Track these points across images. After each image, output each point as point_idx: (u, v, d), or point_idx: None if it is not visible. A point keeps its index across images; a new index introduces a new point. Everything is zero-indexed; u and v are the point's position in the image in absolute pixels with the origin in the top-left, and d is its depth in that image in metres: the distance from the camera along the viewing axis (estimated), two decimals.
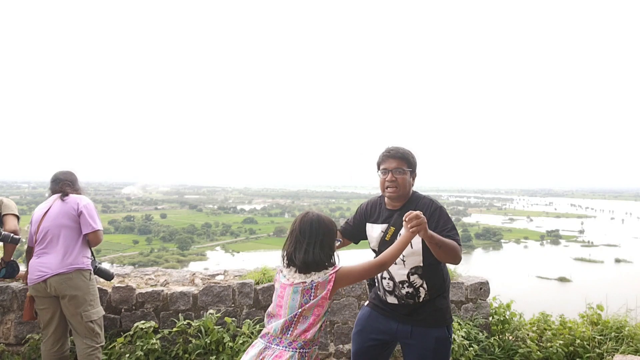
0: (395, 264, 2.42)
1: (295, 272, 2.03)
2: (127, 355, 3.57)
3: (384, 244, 2.46)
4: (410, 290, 2.43)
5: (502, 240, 66.13)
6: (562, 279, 42.18)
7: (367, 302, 2.67)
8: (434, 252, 2.25)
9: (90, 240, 3.30)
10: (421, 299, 2.44)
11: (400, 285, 2.45)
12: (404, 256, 2.40)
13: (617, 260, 52.66)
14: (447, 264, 2.54)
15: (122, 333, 3.72)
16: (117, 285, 3.91)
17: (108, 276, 3.55)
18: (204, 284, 4.05)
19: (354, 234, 2.69)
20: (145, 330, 3.67)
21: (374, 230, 2.56)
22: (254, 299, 4.03)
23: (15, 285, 3.76)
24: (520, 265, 46.84)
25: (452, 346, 3.74)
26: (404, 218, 2.07)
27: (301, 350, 1.94)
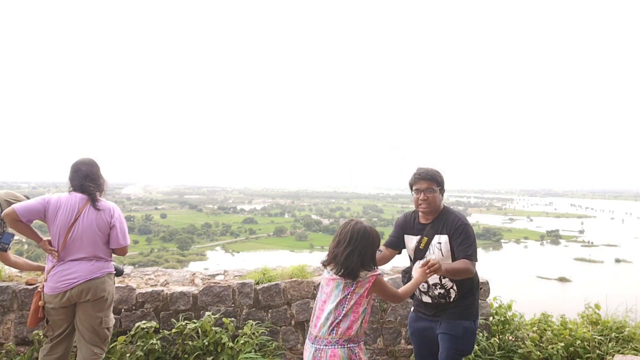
0: None
1: (335, 272, 2.30)
2: (128, 355, 3.57)
3: (418, 252, 2.90)
4: (442, 291, 2.84)
5: (502, 240, 66.13)
6: (562, 279, 42.18)
7: (412, 307, 3.12)
8: (449, 277, 2.75)
9: (117, 253, 3.22)
10: (452, 299, 2.84)
11: (434, 287, 2.85)
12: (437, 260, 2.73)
13: (617, 260, 52.66)
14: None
15: (122, 333, 3.72)
16: (117, 285, 3.90)
17: (120, 273, 3.48)
18: (204, 284, 4.05)
19: (397, 244, 3.07)
20: (146, 330, 3.67)
21: (410, 241, 2.98)
22: (254, 299, 4.03)
23: (15, 285, 3.76)
24: (520, 265, 46.84)
25: None
26: (421, 265, 2.46)
27: (349, 346, 2.23)
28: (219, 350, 3.69)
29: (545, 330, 4.15)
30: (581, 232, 74.29)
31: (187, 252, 52.65)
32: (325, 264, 2.39)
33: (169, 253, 50.52)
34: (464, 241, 2.75)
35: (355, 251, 2.26)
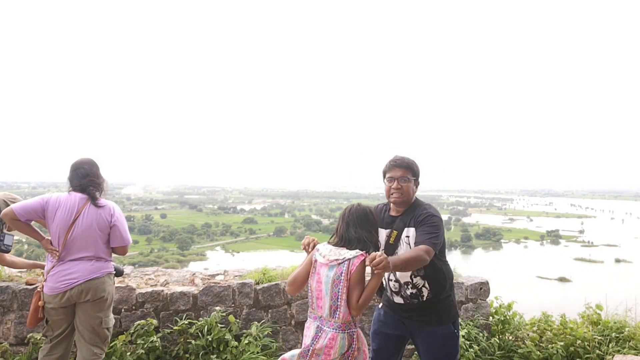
0: None
1: (333, 247, 2.32)
2: (129, 354, 3.57)
3: (389, 247, 2.68)
4: (414, 291, 2.64)
5: (502, 240, 66.10)
6: (562, 279, 42.17)
7: (380, 304, 2.90)
8: (401, 270, 2.57)
9: (117, 252, 3.21)
10: (425, 298, 2.65)
11: (405, 287, 2.66)
12: None
13: (617, 260, 52.65)
14: (449, 262, 2.78)
15: (122, 333, 3.72)
16: (117, 285, 3.90)
17: (120, 273, 3.47)
18: (204, 284, 4.05)
19: None
20: (145, 328, 3.66)
21: (380, 235, 2.73)
22: (254, 299, 4.03)
23: (15, 285, 3.76)
24: (520, 265, 46.83)
25: None
26: (367, 263, 2.20)
27: (349, 331, 2.23)
28: (221, 349, 3.69)
29: (546, 330, 4.14)
30: (581, 232, 74.27)
31: (187, 252, 52.62)
32: (331, 242, 2.40)
33: (169, 253, 50.51)
34: (427, 230, 2.55)
35: (355, 224, 2.33)
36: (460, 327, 3.97)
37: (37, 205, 3.02)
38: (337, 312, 2.22)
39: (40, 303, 3.04)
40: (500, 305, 4.40)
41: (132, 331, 3.67)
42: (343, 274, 2.21)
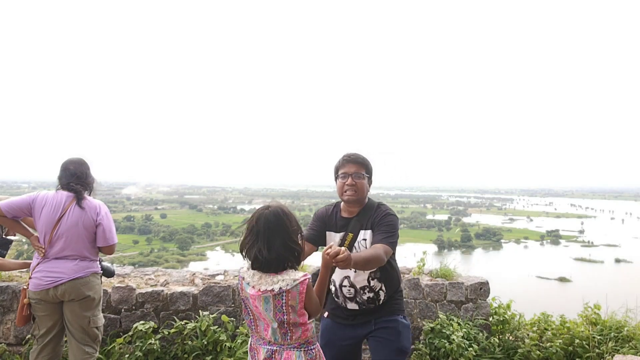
0: (355, 271, 2.51)
1: (259, 274, 1.94)
2: (127, 355, 3.57)
3: None
4: (371, 295, 2.53)
5: (502, 240, 66.10)
6: (562, 279, 42.16)
7: (326, 312, 2.67)
8: (359, 269, 2.39)
9: (104, 251, 3.22)
10: (381, 302, 2.55)
11: (362, 291, 2.52)
12: None
13: (617, 260, 52.64)
14: (395, 259, 2.68)
15: (122, 333, 3.72)
16: (117, 285, 3.90)
17: (110, 273, 3.46)
18: (204, 284, 4.05)
19: (318, 241, 2.62)
20: (144, 330, 3.67)
21: (333, 239, 2.58)
22: None
23: (15, 285, 3.76)
24: (520, 265, 46.82)
25: (451, 346, 3.74)
26: (324, 252, 1.97)
27: (306, 349, 2.00)
28: (218, 350, 3.69)
29: (545, 329, 4.15)
30: (581, 232, 74.27)
31: (187, 252, 52.60)
32: (245, 269, 2.03)
33: (169, 253, 50.49)
34: (385, 229, 2.41)
35: (275, 239, 1.91)
36: (459, 326, 3.98)
37: (24, 203, 3.05)
38: (290, 335, 1.97)
39: (25, 300, 3.06)
40: (499, 305, 4.40)
41: (131, 333, 3.67)
42: (284, 306, 1.91)
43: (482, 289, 4.33)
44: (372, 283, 2.51)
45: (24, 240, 3.66)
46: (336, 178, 2.59)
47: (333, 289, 2.63)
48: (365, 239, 2.47)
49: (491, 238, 65.61)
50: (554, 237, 69.13)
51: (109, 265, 3.44)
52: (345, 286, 2.56)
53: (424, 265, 4.58)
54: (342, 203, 2.61)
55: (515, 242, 66.52)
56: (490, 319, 4.26)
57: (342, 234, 2.54)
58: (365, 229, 2.49)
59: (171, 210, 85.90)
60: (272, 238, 1.91)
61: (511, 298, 4.50)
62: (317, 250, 2.61)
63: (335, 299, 2.62)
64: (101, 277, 3.26)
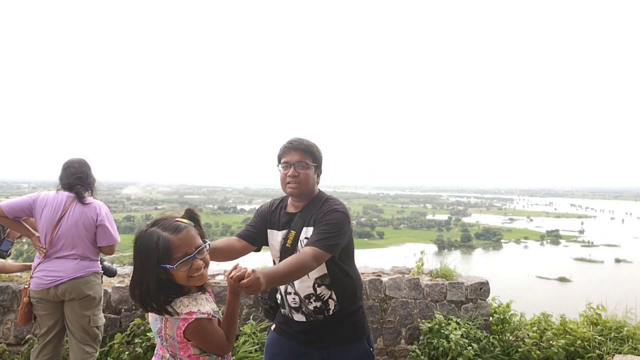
0: None
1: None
2: (127, 353, 3.57)
3: (285, 251, 2.16)
4: (319, 304, 2.14)
5: (502, 240, 66.19)
6: (562, 279, 42.20)
7: (273, 325, 2.34)
8: (280, 285, 1.98)
9: (104, 251, 3.23)
10: (331, 312, 2.15)
11: (307, 300, 2.14)
12: None
13: (617, 260, 52.71)
14: (356, 265, 2.29)
15: (121, 333, 3.72)
16: (117, 285, 3.91)
17: (112, 273, 3.47)
18: None
19: (257, 239, 2.26)
20: (142, 328, 3.67)
21: (275, 238, 2.24)
22: (254, 299, 4.03)
23: (16, 285, 3.76)
24: (520, 265, 46.86)
25: (449, 344, 3.74)
26: (228, 277, 1.59)
27: None
28: None
29: (546, 330, 4.15)
30: (581, 232, 74.36)
31: None
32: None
33: None
34: (324, 229, 2.01)
35: (139, 273, 1.55)
36: (458, 325, 3.97)
37: (25, 203, 3.07)
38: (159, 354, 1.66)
39: (25, 300, 3.09)
40: (499, 305, 4.40)
41: (128, 332, 3.67)
42: (162, 332, 1.60)
43: (482, 289, 4.34)
44: (318, 290, 2.13)
45: (24, 240, 3.66)
46: (278, 167, 2.22)
47: (279, 297, 2.27)
48: (307, 238, 2.09)
49: (491, 238, 65.68)
50: (554, 237, 69.21)
51: (110, 265, 3.45)
52: (289, 294, 2.19)
53: (423, 265, 4.58)
54: (289, 199, 2.27)
55: (515, 242, 66.60)
56: (490, 318, 4.26)
57: (284, 231, 2.20)
58: (308, 226, 2.12)
59: (171, 211, 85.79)
60: (138, 268, 1.56)
61: (511, 298, 4.50)
62: (255, 250, 2.29)
63: (282, 310, 2.26)
64: (102, 276, 3.27)
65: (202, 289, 1.71)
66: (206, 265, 1.64)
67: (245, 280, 1.54)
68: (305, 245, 2.01)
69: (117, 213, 70.32)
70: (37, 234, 3.12)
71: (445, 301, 4.26)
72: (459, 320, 4.10)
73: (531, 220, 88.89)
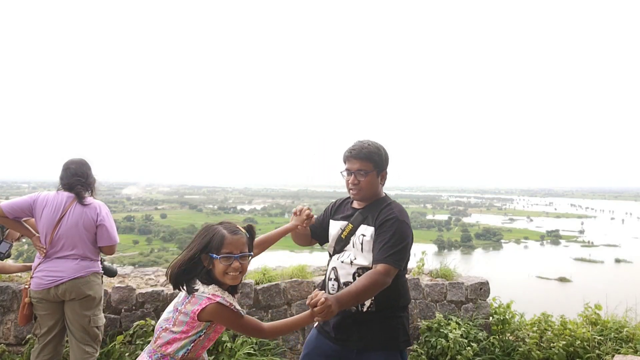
0: (342, 262, 2.21)
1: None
2: (127, 354, 3.57)
3: (339, 241, 2.27)
4: None
5: (502, 241, 66.17)
6: (562, 279, 42.18)
7: (316, 322, 2.34)
8: (351, 306, 2.04)
9: (104, 251, 3.23)
10: (365, 308, 2.12)
11: (345, 288, 2.10)
12: (354, 256, 2.19)
13: (617, 261, 52.69)
14: (407, 277, 2.37)
15: (122, 333, 3.72)
16: (117, 285, 3.91)
17: (112, 273, 3.48)
18: None
19: (319, 233, 2.43)
20: (144, 329, 3.67)
21: (334, 228, 2.35)
22: (253, 299, 4.03)
23: (16, 285, 3.76)
24: (520, 265, 46.84)
25: (448, 343, 3.73)
26: (308, 302, 1.78)
27: (156, 358, 1.81)
28: (219, 350, 3.69)
29: (546, 330, 4.15)
30: (581, 232, 74.34)
31: None
32: None
33: (169, 253, 50.47)
34: (390, 239, 2.05)
35: (188, 252, 1.83)
36: (458, 325, 3.96)
37: (25, 204, 3.07)
38: (158, 339, 1.83)
39: (26, 300, 3.09)
40: (499, 305, 4.40)
41: (131, 332, 3.67)
42: (182, 305, 1.79)
43: (482, 289, 4.34)
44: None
45: (24, 240, 3.66)
46: (342, 173, 2.33)
47: (324, 285, 2.34)
48: (364, 235, 2.16)
49: (491, 238, 65.65)
50: (554, 237, 69.18)
51: (110, 265, 3.45)
52: (331, 279, 2.24)
53: (423, 265, 4.58)
54: None
55: (515, 242, 66.58)
56: (491, 319, 4.26)
57: (343, 222, 2.30)
58: (367, 224, 2.19)
59: (171, 211, 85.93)
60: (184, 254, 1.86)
61: (511, 298, 4.50)
62: (321, 244, 2.46)
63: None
64: (102, 277, 3.27)
65: (233, 292, 1.89)
66: (242, 272, 1.85)
67: (317, 309, 1.71)
68: (375, 260, 2.07)
69: (117, 213, 70.25)
70: (37, 234, 3.12)
71: (445, 301, 4.26)
72: (458, 320, 4.10)
73: (531, 220, 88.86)
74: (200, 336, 1.81)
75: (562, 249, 62.77)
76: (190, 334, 1.78)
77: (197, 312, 1.74)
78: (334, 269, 2.24)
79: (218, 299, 1.75)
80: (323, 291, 1.89)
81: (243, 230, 1.88)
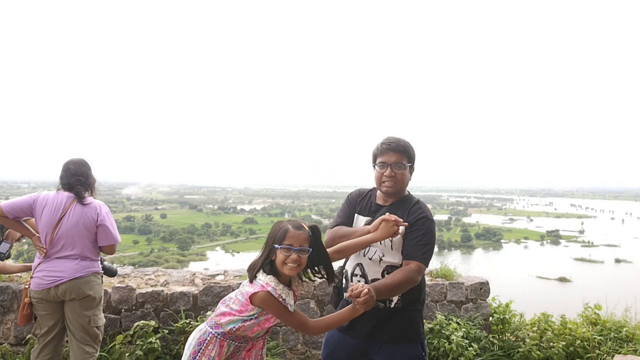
0: (370, 259, 2.26)
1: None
2: (127, 354, 3.57)
3: None
4: None
5: (502, 241, 66.16)
6: (562, 279, 42.18)
7: None
8: (387, 297, 2.15)
9: (105, 251, 3.23)
10: (393, 305, 2.23)
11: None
12: (382, 253, 2.24)
13: (617, 261, 52.69)
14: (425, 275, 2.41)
15: (122, 333, 3.72)
16: (117, 285, 3.91)
17: (112, 273, 3.48)
18: (204, 284, 4.05)
19: (346, 225, 2.44)
20: (145, 329, 3.67)
21: (358, 223, 2.37)
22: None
23: (16, 285, 3.76)
24: (520, 265, 46.83)
25: (450, 346, 3.73)
26: (349, 294, 1.86)
27: (209, 328, 2.02)
28: None
29: (546, 330, 4.15)
30: (581, 232, 74.32)
31: (187, 252, 52.63)
32: None
33: (169, 253, 50.51)
34: (422, 239, 2.15)
35: (264, 248, 2.04)
36: (459, 326, 3.97)
37: (25, 203, 3.07)
38: (215, 308, 2.10)
39: (26, 300, 3.09)
40: (499, 305, 4.40)
41: (131, 332, 3.67)
42: (243, 287, 2.02)
43: (482, 289, 4.33)
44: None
45: (24, 240, 3.66)
46: (374, 166, 2.33)
47: (344, 281, 2.37)
48: None
49: (491, 238, 65.65)
50: (554, 237, 69.17)
51: (110, 265, 3.45)
52: (356, 275, 2.29)
53: None
54: (378, 191, 2.39)
55: (515, 242, 66.56)
56: (491, 319, 4.26)
57: (368, 218, 2.32)
58: None
59: (171, 211, 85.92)
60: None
61: (511, 298, 4.50)
62: None
63: (344, 294, 2.27)
64: (102, 276, 3.27)
65: (290, 286, 2.04)
66: (301, 265, 1.98)
67: (361, 299, 1.81)
68: (407, 256, 2.15)
69: (117, 213, 70.23)
70: (37, 234, 3.12)
71: (445, 301, 4.26)
72: (459, 320, 4.10)
73: (531, 220, 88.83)
74: (251, 319, 1.97)
75: (562, 249, 62.76)
76: (243, 314, 1.97)
77: (250, 295, 1.93)
78: (359, 265, 2.29)
79: (269, 289, 1.91)
80: (361, 282, 2.10)
81: (307, 227, 2.03)
